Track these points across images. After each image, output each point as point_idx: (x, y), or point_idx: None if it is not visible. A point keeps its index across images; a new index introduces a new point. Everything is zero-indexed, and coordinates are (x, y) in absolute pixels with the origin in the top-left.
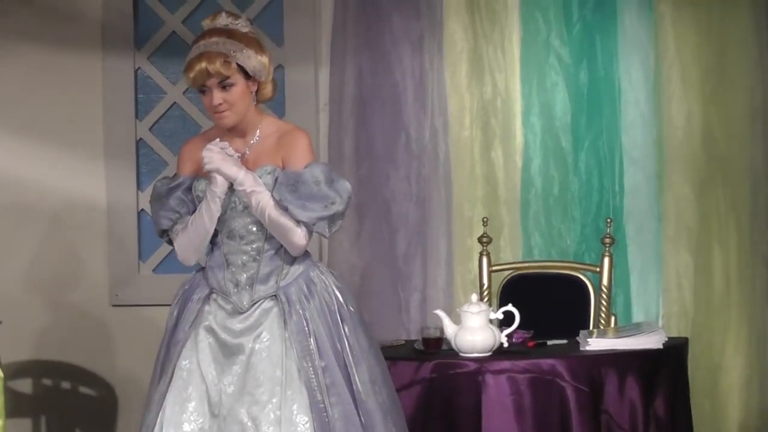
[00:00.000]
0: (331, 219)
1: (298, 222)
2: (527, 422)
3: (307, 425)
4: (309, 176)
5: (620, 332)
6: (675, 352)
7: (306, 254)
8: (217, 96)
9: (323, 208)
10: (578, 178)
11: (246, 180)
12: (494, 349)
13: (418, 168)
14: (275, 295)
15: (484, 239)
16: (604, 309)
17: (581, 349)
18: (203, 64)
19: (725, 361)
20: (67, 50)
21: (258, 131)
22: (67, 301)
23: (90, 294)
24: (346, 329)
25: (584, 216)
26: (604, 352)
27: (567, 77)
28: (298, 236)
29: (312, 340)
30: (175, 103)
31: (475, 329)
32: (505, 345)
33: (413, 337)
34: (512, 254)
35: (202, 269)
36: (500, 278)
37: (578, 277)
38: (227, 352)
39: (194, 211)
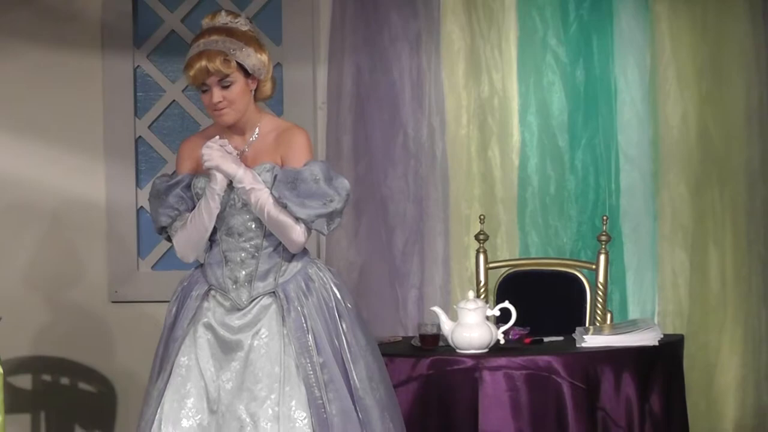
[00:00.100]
0: (330, 216)
1: (297, 219)
2: (524, 418)
3: (306, 421)
4: (308, 174)
5: (616, 329)
6: (670, 348)
7: (304, 251)
8: (217, 94)
9: (322, 206)
10: (575, 176)
11: (245, 177)
12: (491, 345)
13: (416, 166)
14: (274, 292)
15: (481, 237)
16: (600, 306)
17: (577, 345)
18: (203, 63)
19: (721, 359)
20: (67, 49)
21: (257, 129)
22: (66, 297)
23: (89, 291)
24: (344, 326)
25: (580, 214)
26: (600, 349)
27: (563, 76)
28: (297, 233)
29: (310, 336)
30: (174, 101)
31: (472, 326)
32: (502, 342)
33: (410, 334)
34: (509, 252)
35: (200, 266)
36: (497, 275)
37: (574, 275)
38: (226, 348)
39: (193, 209)
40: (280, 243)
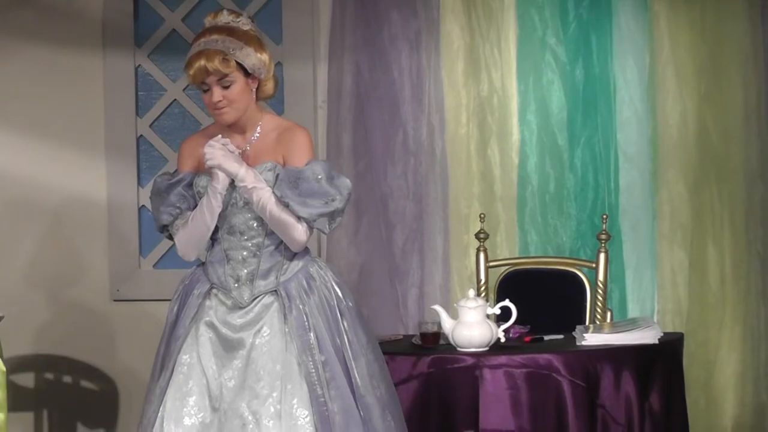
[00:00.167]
0: (331, 216)
1: (299, 218)
2: (524, 416)
3: (307, 419)
4: (310, 173)
5: (616, 327)
6: (670, 347)
7: (305, 250)
8: (217, 93)
9: (324, 205)
10: (574, 175)
11: (247, 176)
12: (491, 344)
13: (415, 165)
14: (275, 291)
15: (481, 235)
16: (599, 304)
17: (577, 344)
18: (202, 62)
19: (719, 357)
20: (68, 48)
21: (258, 128)
22: (68, 296)
23: (91, 289)
24: (345, 324)
25: (580, 213)
26: (600, 347)
27: (563, 75)
28: (299, 232)
29: (312, 334)
30: (175, 100)
31: (473, 324)
32: (502, 340)
33: (411, 332)
34: (509, 250)
35: (202, 264)
36: (497, 274)
37: (574, 273)
38: (228, 346)
39: (195, 207)
40: (282, 241)
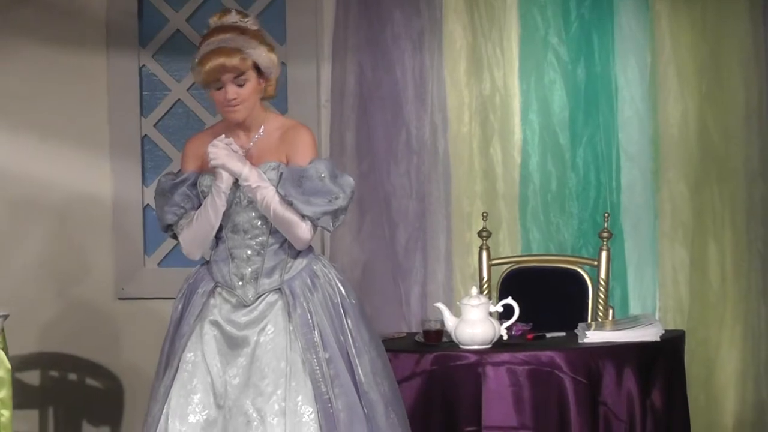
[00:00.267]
0: (335, 214)
1: (303, 216)
2: (526, 413)
3: (312, 416)
4: (313, 172)
5: (618, 325)
6: (672, 344)
7: (309, 248)
8: (232, 91)
9: (327, 203)
10: (576, 174)
11: (251, 175)
12: (494, 341)
13: (418, 163)
14: (279, 289)
15: (484, 234)
16: (601, 302)
17: (579, 341)
18: (221, 59)
19: (720, 354)
20: (73, 48)
21: (262, 127)
22: (73, 294)
23: (96, 287)
24: (349, 322)
25: (582, 211)
26: (602, 345)
27: (565, 75)
28: (303, 230)
29: (316, 332)
30: (179, 100)
31: (475, 322)
32: (505, 337)
33: (414, 330)
34: (511, 248)
35: (206, 263)
36: (499, 272)
37: (576, 271)
38: (232, 344)
39: (199, 207)
40: (286, 240)
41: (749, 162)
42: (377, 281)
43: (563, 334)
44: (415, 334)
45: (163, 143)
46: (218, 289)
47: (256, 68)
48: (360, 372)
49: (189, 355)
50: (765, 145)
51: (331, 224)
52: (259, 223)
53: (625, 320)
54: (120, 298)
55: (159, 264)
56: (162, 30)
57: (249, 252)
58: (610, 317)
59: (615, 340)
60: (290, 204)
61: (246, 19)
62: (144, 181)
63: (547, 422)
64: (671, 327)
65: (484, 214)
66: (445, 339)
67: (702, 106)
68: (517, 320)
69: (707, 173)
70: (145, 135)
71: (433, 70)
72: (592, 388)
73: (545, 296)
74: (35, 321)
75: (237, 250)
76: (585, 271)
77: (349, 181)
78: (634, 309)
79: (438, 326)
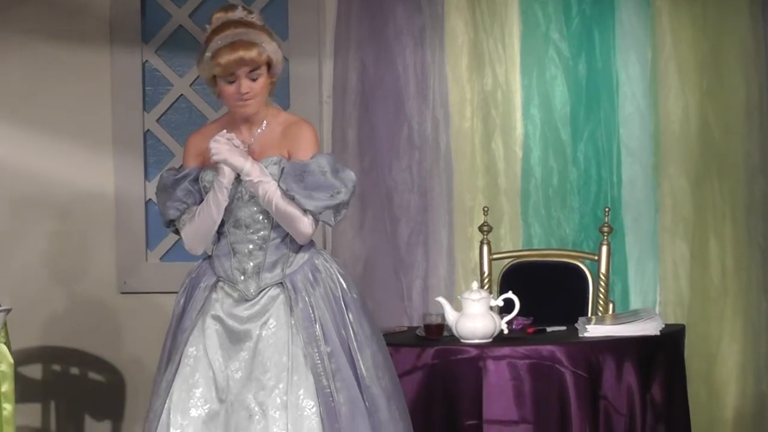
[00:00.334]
0: (337, 208)
1: (305, 211)
2: (527, 407)
3: (314, 410)
4: (315, 166)
5: (618, 319)
6: (672, 338)
7: (310, 242)
8: (245, 84)
9: (329, 198)
10: (577, 168)
11: (253, 170)
12: (495, 335)
13: (420, 158)
14: (281, 283)
15: (485, 228)
16: (602, 296)
17: (580, 335)
18: (240, 52)
19: (721, 348)
20: (76, 44)
21: (264, 123)
22: (76, 288)
23: (99, 282)
24: (351, 316)
25: (583, 206)
26: (603, 339)
27: (566, 70)
28: (305, 225)
29: (318, 326)
30: (181, 95)
31: (476, 316)
32: (506, 331)
33: (415, 324)
34: (512, 243)
35: (208, 258)
36: (500, 266)
37: (577, 266)
38: (234, 338)
39: (201, 202)
40: (288, 234)
41: (749, 157)
42: (379, 276)
43: (564, 328)
44: (417, 328)
45: (165, 138)
46: (220, 284)
47: (268, 63)
48: (362, 366)
49: (191, 350)
50: (765, 141)
51: (332, 219)
52: (261, 217)
53: (625, 314)
54: (122, 293)
55: (161, 258)
56: (165, 26)
57: (251, 246)
58: (611, 311)
59: (615, 335)
60: (292, 198)
61: (251, 15)
62: (147, 176)
63: (548, 416)
64: (672, 321)
65: (485, 209)
66: (446, 333)
67: (703, 101)
68: (518, 314)
69: (708, 168)
70: (148, 130)
71: (434, 65)
72: (593, 382)
73: (546, 290)
74: (38, 315)
75: (239, 244)
76: (586, 265)
77: (350, 175)
78: (635, 303)
79: (439, 320)
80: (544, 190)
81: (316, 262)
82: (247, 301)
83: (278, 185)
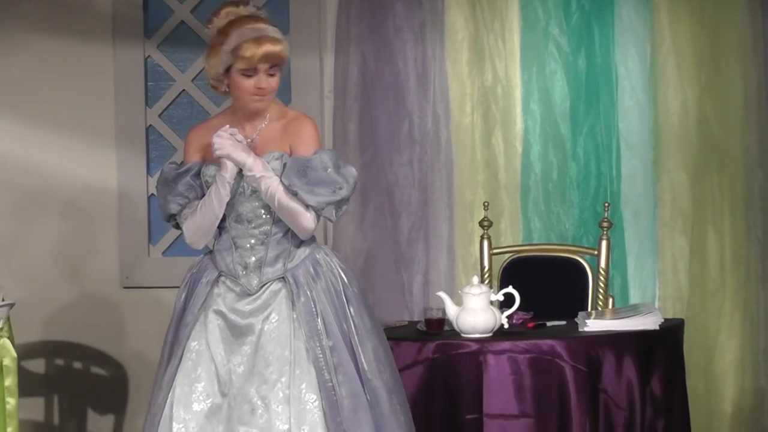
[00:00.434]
0: (338, 204)
1: (307, 206)
2: (527, 401)
3: (316, 403)
4: (318, 162)
5: (617, 314)
6: (671, 332)
7: (311, 237)
8: (265, 80)
9: (331, 193)
10: (576, 163)
11: (255, 166)
12: (495, 330)
13: (421, 153)
14: (283, 277)
15: (485, 223)
16: (601, 291)
17: (580, 330)
18: (276, 47)
19: (720, 342)
20: (79, 40)
21: (267, 118)
22: (79, 283)
23: (101, 276)
24: (352, 310)
25: (582, 200)
26: (602, 333)
27: (565, 65)
28: (307, 220)
29: (319, 320)
30: (183, 90)
31: (477, 310)
32: (506, 326)
33: (416, 318)
34: (512, 238)
35: (209, 252)
36: (501, 261)
37: (577, 260)
38: (237, 332)
39: (202, 196)
40: (289, 229)
41: (748, 151)
42: (380, 270)
43: (564, 322)
44: (417, 322)
45: (167, 133)
46: (222, 279)
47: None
48: (363, 360)
49: (193, 344)
50: (763, 135)
51: (333, 214)
52: (262, 212)
53: (624, 309)
54: (125, 287)
55: (163, 253)
56: (167, 21)
57: (252, 241)
58: (610, 306)
59: (615, 329)
60: (295, 194)
61: (260, 12)
62: (149, 171)
63: (548, 410)
64: (671, 315)
65: (486, 204)
66: (446, 327)
67: (701, 96)
68: (518, 309)
69: (707, 163)
70: (150, 125)
71: (435, 60)
72: (593, 376)
73: (546, 285)
74: (41, 310)
75: (240, 239)
76: (585, 260)
77: (352, 171)
78: (634, 298)
79: (440, 315)
80: (544, 185)
81: (317, 256)
82: (249, 295)
83: (280, 180)
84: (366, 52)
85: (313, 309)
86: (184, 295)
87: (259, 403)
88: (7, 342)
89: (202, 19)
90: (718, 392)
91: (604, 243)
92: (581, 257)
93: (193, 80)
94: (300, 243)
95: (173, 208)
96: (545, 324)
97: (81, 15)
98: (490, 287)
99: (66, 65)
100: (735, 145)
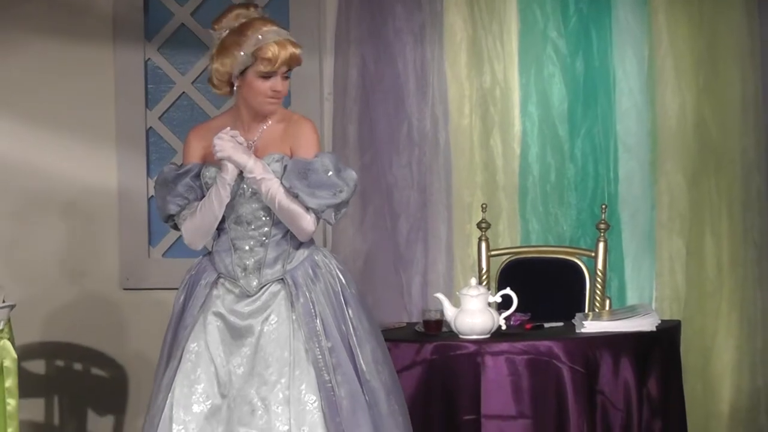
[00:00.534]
0: (338, 207)
1: (308, 209)
2: (525, 402)
3: (315, 404)
4: (319, 165)
5: (615, 315)
6: (668, 334)
7: (310, 239)
8: (281, 83)
9: (332, 196)
10: (574, 165)
11: (256, 168)
12: (493, 331)
13: (420, 155)
14: (282, 279)
15: (483, 225)
16: (599, 292)
17: (577, 331)
18: (291, 49)
19: (717, 343)
20: (80, 42)
21: (268, 120)
22: (79, 284)
23: (101, 278)
24: (350, 311)
25: (580, 202)
26: (600, 334)
27: (563, 67)
28: (307, 222)
29: (318, 321)
30: (183, 92)
31: (475, 312)
32: (504, 327)
33: (414, 320)
34: (510, 239)
35: (208, 254)
36: (498, 263)
37: (574, 262)
38: (236, 334)
39: (202, 198)
40: (288, 231)
41: (745, 153)
42: (379, 271)
43: (561, 324)
44: (416, 323)
45: (167, 135)
46: (221, 280)
47: None
48: (361, 361)
49: (192, 346)
50: (761, 137)
51: (333, 217)
52: (262, 214)
53: (622, 310)
54: (125, 289)
55: (163, 255)
56: (167, 24)
57: (252, 243)
58: (608, 307)
59: (612, 330)
60: (295, 196)
61: (266, 15)
62: (149, 173)
63: (545, 411)
64: (668, 316)
65: (484, 206)
66: (444, 329)
67: (699, 98)
68: (516, 310)
69: (704, 165)
70: (150, 127)
71: (434, 62)
72: (590, 377)
73: (543, 287)
74: (41, 311)
75: (240, 241)
76: (583, 261)
77: (352, 175)
78: (631, 299)
79: (438, 316)
80: (542, 186)
81: (316, 258)
82: (248, 297)
83: (281, 182)
84: (365, 54)
85: (312, 310)
86: (183, 297)
87: (259, 404)
88: (8, 343)
89: (203, 21)
90: (715, 393)
91: (601, 244)
92: (579, 259)
93: (193, 83)
94: (299, 245)
95: (172, 208)
96: (543, 325)
97: (81, 17)
98: (488, 289)
99: (66, 67)
100: (732, 148)
